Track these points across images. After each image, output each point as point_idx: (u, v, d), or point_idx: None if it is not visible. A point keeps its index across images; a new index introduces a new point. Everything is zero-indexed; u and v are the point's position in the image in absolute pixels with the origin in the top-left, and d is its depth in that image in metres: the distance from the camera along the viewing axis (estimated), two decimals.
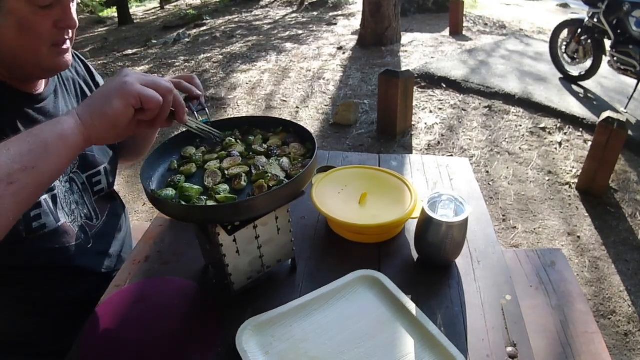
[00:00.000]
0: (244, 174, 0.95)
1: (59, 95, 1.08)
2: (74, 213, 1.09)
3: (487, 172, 3.39)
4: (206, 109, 1.02)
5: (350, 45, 6.73)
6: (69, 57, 0.96)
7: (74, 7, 0.92)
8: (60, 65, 0.95)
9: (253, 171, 0.96)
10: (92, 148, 1.14)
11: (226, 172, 0.97)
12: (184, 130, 1.10)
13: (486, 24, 8.05)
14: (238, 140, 1.08)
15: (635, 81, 4.00)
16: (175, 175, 0.97)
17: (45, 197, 0.98)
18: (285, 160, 0.99)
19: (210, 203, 0.88)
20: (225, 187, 0.93)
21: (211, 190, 0.92)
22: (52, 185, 1.01)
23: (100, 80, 1.26)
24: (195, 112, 1.00)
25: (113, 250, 1.21)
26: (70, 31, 0.93)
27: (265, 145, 1.06)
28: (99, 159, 1.16)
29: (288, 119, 1.13)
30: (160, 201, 0.86)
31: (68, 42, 0.94)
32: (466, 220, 1.01)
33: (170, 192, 0.92)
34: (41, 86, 1.04)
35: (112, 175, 1.22)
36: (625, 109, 4.09)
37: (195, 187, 0.93)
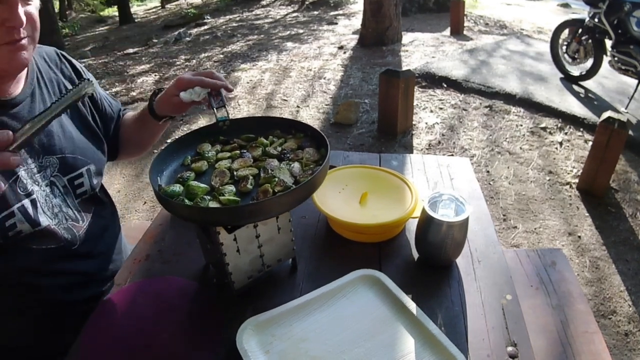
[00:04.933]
0: (251, 177, 0.95)
1: (36, 99, 1.05)
2: (57, 216, 1.06)
3: (488, 171, 3.38)
4: (226, 106, 1.03)
5: (351, 45, 6.73)
6: (25, 55, 0.92)
7: (26, 8, 0.90)
8: (16, 64, 0.92)
9: (262, 174, 0.95)
10: (75, 150, 1.11)
11: (235, 173, 0.97)
12: (203, 125, 1.10)
13: (487, 24, 8.05)
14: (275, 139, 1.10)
15: (636, 81, 3.99)
16: (185, 172, 0.97)
17: (23, 203, 0.97)
18: (296, 165, 0.98)
19: (213, 204, 0.88)
20: (231, 188, 0.92)
21: (216, 191, 0.91)
22: (30, 189, 0.99)
23: (89, 77, 1.20)
24: (215, 109, 1.01)
25: (100, 251, 1.18)
26: (23, 30, 0.90)
27: (279, 148, 1.05)
28: (80, 161, 1.12)
29: (290, 118, 1.13)
30: (162, 197, 0.86)
31: (25, 40, 0.91)
32: (466, 220, 1.01)
33: (178, 188, 0.92)
34: (15, 90, 1.00)
35: (96, 176, 1.18)
36: (626, 109, 4.08)
37: (202, 185, 0.93)
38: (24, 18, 0.88)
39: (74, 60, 1.21)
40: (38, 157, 1.03)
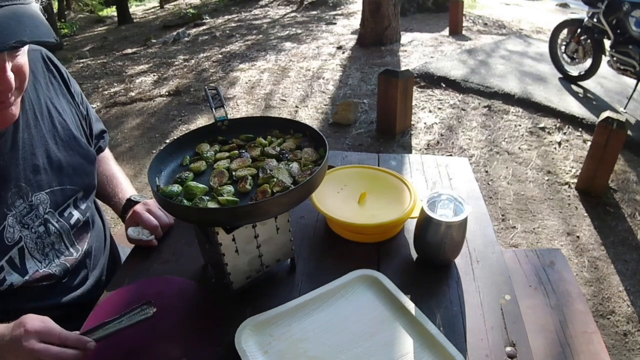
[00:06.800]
0: (250, 177, 0.94)
1: (20, 127, 0.97)
2: (48, 256, 1.03)
3: (487, 171, 3.39)
4: (224, 106, 1.03)
5: (349, 45, 6.73)
6: (13, 110, 0.88)
7: (15, 61, 0.83)
8: (3, 121, 0.88)
9: (260, 174, 0.95)
10: (63, 180, 1.04)
11: (234, 173, 0.97)
12: (202, 125, 1.11)
13: (486, 24, 8.05)
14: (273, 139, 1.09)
15: (635, 81, 4.00)
16: (183, 172, 0.97)
17: (10, 255, 0.94)
18: (295, 165, 0.97)
19: (212, 204, 0.88)
20: (230, 188, 0.92)
21: (215, 191, 0.91)
22: (18, 237, 0.96)
23: (76, 86, 1.17)
24: (213, 108, 1.01)
25: (93, 277, 1.16)
26: (12, 91, 0.84)
27: (278, 148, 1.05)
28: (69, 191, 1.06)
29: (288, 118, 1.14)
30: (160, 197, 0.86)
31: (12, 98, 0.86)
32: (465, 220, 1.01)
33: (176, 188, 0.92)
34: None
35: (84, 200, 1.12)
36: (625, 109, 4.09)
37: (201, 186, 0.93)
38: (12, 82, 0.82)
39: (60, 65, 1.13)
40: (27, 196, 0.98)
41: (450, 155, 3.59)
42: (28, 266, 0.98)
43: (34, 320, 0.80)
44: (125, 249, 1.38)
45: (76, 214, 1.10)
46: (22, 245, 0.97)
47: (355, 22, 8.06)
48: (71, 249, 1.09)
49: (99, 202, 1.32)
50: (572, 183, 3.19)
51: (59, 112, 1.07)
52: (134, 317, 0.88)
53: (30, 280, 0.99)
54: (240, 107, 4.77)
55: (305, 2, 10.89)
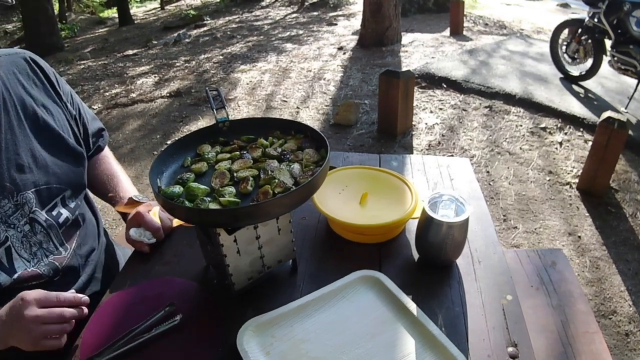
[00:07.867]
0: (251, 178, 0.95)
1: (1, 129, 0.97)
2: (36, 255, 1.02)
3: (488, 172, 3.38)
4: (225, 107, 1.04)
5: (350, 46, 6.73)
6: None
7: None
8: None
9: (262, 175, 0.95)
10: (49, 179, 1.04)
11: (235, 174, 0.97)
12: (203, 127, 1.12)
13: (486, 24, 8.05)
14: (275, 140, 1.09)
15: (636, 81, 3.99)
16: (185, 173, 0.98)
17: None
18: (296, 166, 0.97)
19: (213, 205, 0.88)
20: (231, 189, 0.92)
21: (216, 192, 0.91)
22: (4, 237, 0.96)
23: (64, 87, 1.16)
24: (214, 110, 1.01)
25: (85, 274, 1.15)
26: None
27: (279, 149, 1.05)
28: (56, 189, 1.06)
29: (289, 119, 1.14)
30: (162, 198, 0.86)
31: None
32: (467, 221, 1.01)
33: (178, 189, 0.92)
34: None
35: (73, 199, 1.12)
36: (626, 109, 4.08)
37: (202, 187, 0.93)
38: None
39: (46, 67, 1.12)
40: (13, 196, 0.98)
41: (452, 155, 3.59)
42: (16, 266, 0.98)
43: (30, 292, 0.84)
44: (126, 250, 1.38)
45: (65, 213, 1.09)
46: (9, 245, 0.97)
47: (356, 22, 8.07)
48: (60, 248, 1.09)
49: (95, 201, 1.32)
50: (574, 183, 3.19)
51: (45, 112, 1.07)
52: (162, 327, 0.91)
53: (19, 280, 0.98)
54: (241, 108, 4.77)
55: (306, 3, 10.91)
